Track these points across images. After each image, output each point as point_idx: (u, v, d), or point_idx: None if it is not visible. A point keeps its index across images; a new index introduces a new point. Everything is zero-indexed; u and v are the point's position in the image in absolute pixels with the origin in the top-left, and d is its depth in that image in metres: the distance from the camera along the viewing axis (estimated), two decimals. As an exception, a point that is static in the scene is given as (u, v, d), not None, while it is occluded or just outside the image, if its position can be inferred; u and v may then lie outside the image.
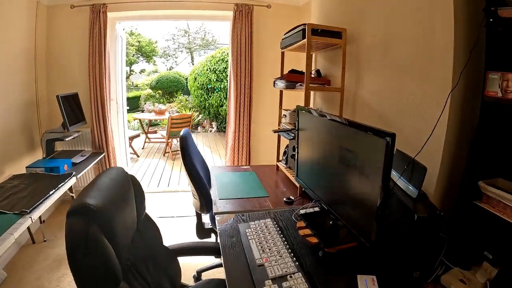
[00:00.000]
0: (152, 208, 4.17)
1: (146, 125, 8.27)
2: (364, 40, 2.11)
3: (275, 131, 2.60)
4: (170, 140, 7.07)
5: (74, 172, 3.17)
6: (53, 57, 4.13)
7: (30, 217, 2.35)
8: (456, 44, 1.34)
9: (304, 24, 2.15)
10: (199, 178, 2.28)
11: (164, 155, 7.09)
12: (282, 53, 2.86)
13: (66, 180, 2.98)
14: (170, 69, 19.01)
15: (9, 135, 3.36)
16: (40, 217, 2.93)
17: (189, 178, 2.28)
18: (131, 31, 16.52)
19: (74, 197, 3.31)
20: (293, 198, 2.16)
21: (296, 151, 1.92)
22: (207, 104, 9.56)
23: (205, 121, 10.20)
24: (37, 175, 3.16)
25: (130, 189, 1.48)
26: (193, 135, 8.82)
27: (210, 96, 9.31)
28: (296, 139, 1.92)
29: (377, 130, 1.09)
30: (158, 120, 9.66)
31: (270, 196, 2.26)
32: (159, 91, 14.22)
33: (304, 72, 2.19)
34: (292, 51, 2.69)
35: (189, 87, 11.33)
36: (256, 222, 1.72)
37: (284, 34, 2.61)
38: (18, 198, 2.61)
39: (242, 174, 2.72)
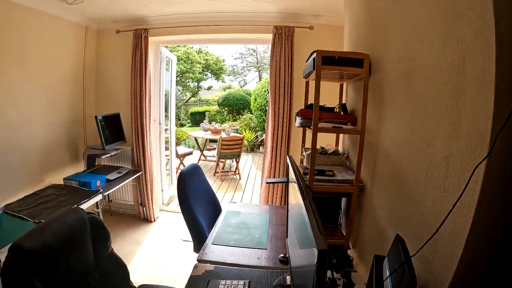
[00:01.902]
0: (181, 231, 4.05)
1: (202, 143, 8.25)
2: (386, 69, 1.66)
3: (268, 182, 2.26)
4: (223, 161, 6.98)
5: (101, 190, 3.24)
6: (100, 79, 4.38)
7: None
8: (498, 77, 0.83)
9: (316, 51, 1.77)
10: (192, 218, 2.16)
11: (214, 175, 6.98)
12: (306, 83, 2.49)
13: (92, 197, 3.08)
14: (241, 87, 19.38)
15: (53, 147, 3.71)
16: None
17: (183, 215, 2.21)
18: (199, 49, 17.13)
19: (100, 214, 3.33)
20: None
21: (286, 208, 1.57)
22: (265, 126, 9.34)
23: (267, 141, 9.98)
24: (70, 187, 3.33)
25: (84, 233, 1.47)
26: (251, 156, 8.82)
27: (267, 118, 9.09)
28: (286, 193, 1.56)
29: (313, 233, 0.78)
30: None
31: (268, 249, 1.91)
32: (226, 108, 14.41)
33: (328, 108, 1.81)
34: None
35: (251, 106, 11.27)
36: (228, 283, 1.50)
37: (306, 61, 2.25)
38: (44, 208, 2.77)
39: (256, 216, 2.40)
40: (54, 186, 3.36)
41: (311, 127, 1.92)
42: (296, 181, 1.19)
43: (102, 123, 3.70)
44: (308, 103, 2.44)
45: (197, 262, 1.73)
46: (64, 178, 3.46)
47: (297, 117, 2.30)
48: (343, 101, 2.47)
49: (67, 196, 3.03)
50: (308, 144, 2.50)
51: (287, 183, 1.56)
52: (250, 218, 2.34)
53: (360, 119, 1.90)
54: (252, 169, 7.82)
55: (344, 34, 2.66)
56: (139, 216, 4.44)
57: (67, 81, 3.87)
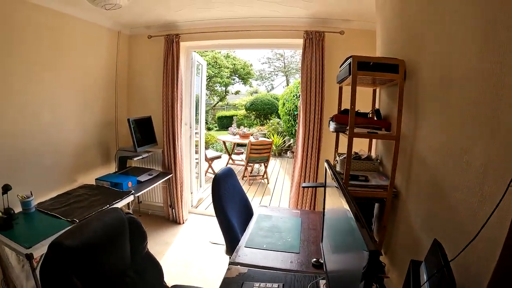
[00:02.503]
0: (210, 234, 4.17)
1: (230, 147, 8.34)
2: (421, 75, 1.65)
3: (304, 186, 2.25)
4: (251, 165, 7.05)
5: (133, 191, 3.30)
6: (132, 83, 4.51)
7: None
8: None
9: (351, 57, 1.79)
10: (227, 221, 2.20)
11: (242, 179, 7.04)
12: (340, 88, 2.50)
13: (124, 197, 3.14)
14: (268, 91, 19.43)
15: (86, 149, 3.82)
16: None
17: (217, 218, 2.24)
18: (227, 53, 17.32)
19: (131, 214, 3.41)
20: (322, 262, 1.77)
21: (322, 213, 1.58)
22: (294, 131, 9.34)
23: (294, 146, 9.95)
24: (102, 188, 3.41)
25: (123, 232, 1.50)
26: (278, 160, 8.86)
27: (296, 123, 9.05)
28: (323, 198, 1.57)
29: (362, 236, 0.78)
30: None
31: (300, 253, 1.93)
32: (253, 113, 14.49)
33: (362, 113, 1.82)
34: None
35: (279, 111, 11.29)
36: (262, 286, 1.52)
37: (340, 66, 2.27)
38: (76, 207, 2.86)
39: (287, 220, 2.42)
40: (86, 186, 3.47)
41: (346, 132, 1.94)
42: (338, 186, 1.20)
43: (134, 126, 3.81)
44: (342, 109, 2.45)
45: (230, 264, 1.77)
46: (96, 179, 3.59)
47: (331, 122, 2.31)
48: (376, 107, 2.46)
49: (99, 196, 3.12)
50: (342, 149, 2.52)
51: (324, 187, 1.58)
52: (282, 222, 2.37)
53: (395, 124, 1.90)
54: (280, 173, 7.83)
55: (376, 39, 2.66)
56: (168, 217, 4.55)
57: (100, 85, 4.02)
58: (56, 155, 3.39)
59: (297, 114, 8.65)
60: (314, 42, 3.52)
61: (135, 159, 3.95)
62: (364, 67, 1.78)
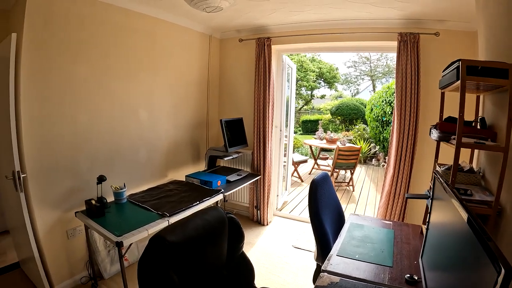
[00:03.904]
0: (293, 238, 4.16)
1: (316, 150, 8.29)
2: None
3: (408, 197, 2.12)
4: (337, 171, 6.95)
5: (223, 190, 3.40)
6: (223, 85, 4.70)
7: (168, 221, 2.63)
8: None
9: (459, 60, 1.67)
10: (321, 227, 2.16)
11: (327, 185, 6.95)
12: (442, 94, 2.35)
13: (214, 195, 3.23)
14: (353, 96, 18.94)
15: (178, 147, 4.06)
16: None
17: (311, 224, 2.20)
18: (313, 57, 17.20)
19: (231, 214, 3.60)
20: (416, 278, 1.66)
21: (426, 226, 1.49)
22: (382, 138, 8.96)
23: (380, 154, 9.54)
24: (192, 184, 3.56)
25: (223, 231, 1.55)
26: (364, 168, 8.56)
27: (384, 129, 8.68)
28: (428, 211, 1.49)
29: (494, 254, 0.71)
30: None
31: (393, 267, 1.83)
32: (339, 117, 14.23)
33: (466, 122, 1.69)
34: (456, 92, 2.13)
35: (366, 117, 10.91)
36: None
37: (443, 71, 2.13)
38: (166, 201, 3.00)
39: (379, 231, 2.33)
40: (176, 182, 3.67)
41: (450, 142, 1.81)
42: (456, 198, 1.11)
43: (226, 126, 3.93)
44: (444, 116, 2.30)
45: (322, 272, 1.75)
46: (186, 176, 3.79)
47: (433, 130, 2.17)
48: (480, 114, 2.26)
49: (189, 193, 3.25)
50: (444, 160, 2.36)
51: (431, 199, 1.49)
52: (374, 232, 2.28)
53: (501, 135, 1.72)
54: (365, 181, 7.56)
55: (478, 41, 2.43)
56: (252, 218, 4.63)
57: (192, 86, 4.25)
58: (149, 151, 3.66)
59: (386, 120, 8.36)
60: (409, 45, 3.34)
61: (225, 159, 4.07)
62: (472, 72, 1.65)
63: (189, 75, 4.18)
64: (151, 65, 3.56)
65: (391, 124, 3.77)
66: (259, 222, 4.56)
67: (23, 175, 2.45)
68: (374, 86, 18.72)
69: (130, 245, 3.19)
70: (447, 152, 2.13)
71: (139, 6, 3.23)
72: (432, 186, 1.49)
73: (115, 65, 3.13)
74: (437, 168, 2.23)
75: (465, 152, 2.25)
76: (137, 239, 2.40)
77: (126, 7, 3.13)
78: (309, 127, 16.20)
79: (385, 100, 8.56)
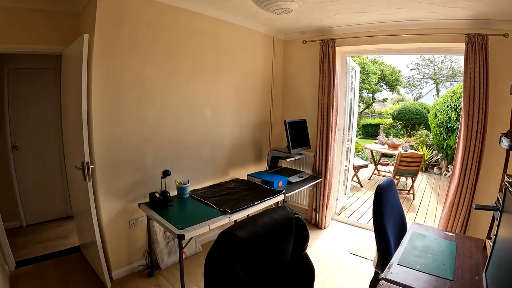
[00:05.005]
0: (350, 244, 4.11)
1: (376, 155, 8.06)
2: None
3: (476, 208, 2.01)
4: (398, 178, 6.75)
5: (284, 190, 3.44)
6: (287, 86, 4.76)
7: (229, 217, 2.73)
8: None
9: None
10: (384, 234, 2.14)
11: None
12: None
13: (275, 195, 3.27)
14: (415, 100, 18.14)
15: (240, 146, 4.19)
16: (235, 221, 3.40)
17: (374, 230, 2.18)
18: (374, 59, 16.72)
19: (298, 214, 3.67)
20: (478, 294, 1.60)
21: (493, 240, 1.43)
22: (445, 145, 8.47)
23: (442, 162, 9.03)
24: (253, 184, 3.64)
25: (290, 231, 1.56)
26: (425, 176, 8.18)
27: (449, 136, 8.21)
28: (497, 224, 1.43)
29: None
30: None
31: (454, 281, 1.76)
32: (400, 122, 13.71)
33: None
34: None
35: (429, 122, 10.39)
36: None
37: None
38: (228, 198, 3.09)
39: (441, 242, 2.25)
40: (238, 180, 3.77)
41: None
42: None
43: (290, 127, 3.97)
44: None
45: (382, 280, 1.74)
46: (248, 175, 3.88)
47: (503, 138, 2.07)
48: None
49: (250, 192, 3.32)
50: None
51: (500, 212, 1.43)
52: (436, 243, 2.21)
53: None
54: (426, 190, 7.22)
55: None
56: (309, 220, 4.61)
57: (257, 87, 4.35)
58: (213, 149, 3.80)
59: (450, 127, 7.90)
60: (477, 47, 3.16)
61: (287, 160, 4.11)
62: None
63: (253, 76, 4.27)
64: (216, 65, 3.70)
65: (457, 131, 3.57)
66: (317, 225, 4.54)
67: (92, 166, 2.65)
68: (438, 90, 17.76)
69: (191, 239, 3.37)
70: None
71: (203, 8, 3.38)
72: (502, 198, 1.41)
73: (180, 65, 3.30)
74: (506, 179, 2.11)
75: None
76: (198, 234, 2.51)
77: (191, 9, 3.29)
78: (369, 131, 15.77)
79: (450, 105, 8.08)
